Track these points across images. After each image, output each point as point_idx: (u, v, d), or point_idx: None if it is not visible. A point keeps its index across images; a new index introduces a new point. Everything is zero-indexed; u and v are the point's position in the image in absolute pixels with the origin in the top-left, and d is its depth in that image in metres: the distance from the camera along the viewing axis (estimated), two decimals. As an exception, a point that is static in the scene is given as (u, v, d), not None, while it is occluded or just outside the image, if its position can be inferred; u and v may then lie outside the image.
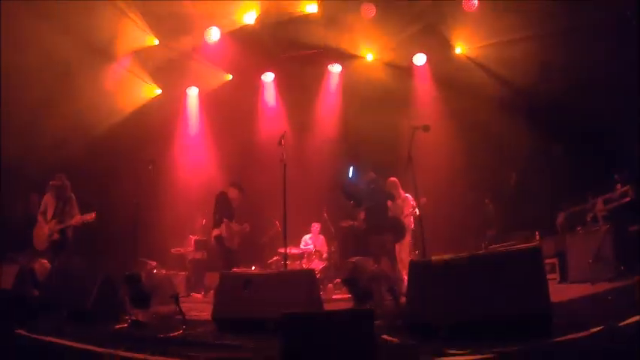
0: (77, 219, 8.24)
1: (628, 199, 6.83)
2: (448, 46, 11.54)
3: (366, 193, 9.25)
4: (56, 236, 8.25)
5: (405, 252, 9.53)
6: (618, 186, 7.01)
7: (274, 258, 11.11)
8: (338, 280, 10.16)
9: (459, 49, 11.49)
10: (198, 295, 10.46)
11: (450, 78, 11.78)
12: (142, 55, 11.54)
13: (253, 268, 10.44)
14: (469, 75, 11.25)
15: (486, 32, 10.69)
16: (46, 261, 7.76)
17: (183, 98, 12.99)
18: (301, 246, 11.59)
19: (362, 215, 9.33)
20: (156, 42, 11.33)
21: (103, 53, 10.77)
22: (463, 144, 11.46)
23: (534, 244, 8.20)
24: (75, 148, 10.26)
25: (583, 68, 9.41)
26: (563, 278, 7.68)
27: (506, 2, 9.89)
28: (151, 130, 11.82)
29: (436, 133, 9.34)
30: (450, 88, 11.82)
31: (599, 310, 5.26)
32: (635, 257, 6.28)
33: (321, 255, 11.29)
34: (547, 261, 7.81)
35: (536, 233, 8.91)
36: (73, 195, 8.55)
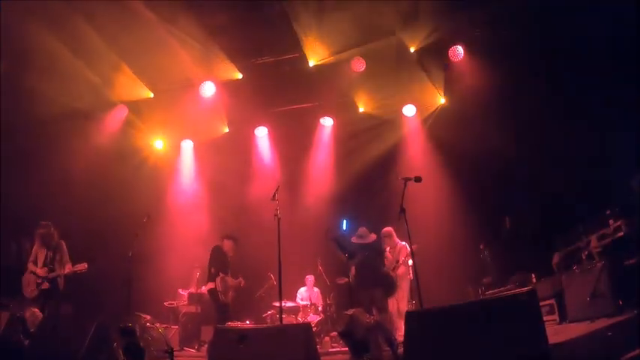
0: (69, 269, 8.19)
1: (621, 234, 6.83)
2: (435, 97, 11.81)
3: (357, 248, 9.28)
4: (47, 285, 8.16)
5: (402, 302, 9.45)
6: (611, 221, 7.03)
7: (269, 312, 10.93)
8: (334, 332, 9.97)
9: (443, 99, 11.78)
10: (192, 350, 10.25)
11: (439, 128, 11.96)
12: (138, 108, 11.82)
13: (248, 322, 10.27)
14: (458, 123, 11.42)
15: (471, 80, 10.96)
16: (37, 310, 7.60)
17: (178, 151, 13.15)
18: (297, 299, 11.45)
19: (352, 271, 9.34)
20: (151, 95, 11.65)
21: (97, 104, 11.03)
22: (455, 192, 11.55)
23: (530, 287, 8.14)
24: (70, 198, 10.27)
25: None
26: (563, 318, 7.59)
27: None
28: (146, 182, 11.91)
29: (428, 183, 9.45)
30: (440, 138, 12.00)
31: (599, 347, 5.21)
32: (632, 291, 6.27)
33: (317, 308, 11.12)
34: (545, 302, 7.75)
35: (532, 276, 8.86)
36: (62, 242, 8.51)
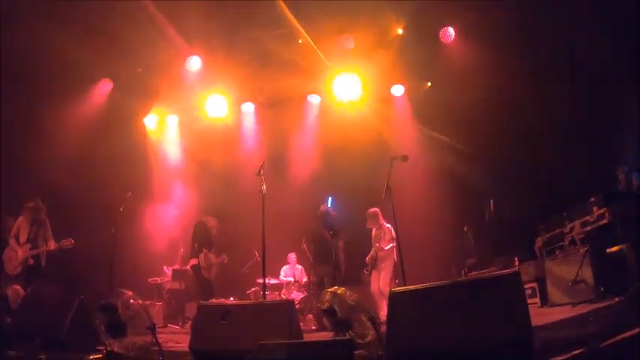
0: (53, 245, 8.08)
1: (605, 221, 6.90)
2: (424, 77, 11.75)
3: (342, 227, 9.35)
4: (31, 261, 8.08)
5: (385, 282, 9.47)
6: (595, 209, 7.09)
7: (253, 288, 10.97)
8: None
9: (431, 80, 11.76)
10: (176, 326, 10.25)
11: (427, 108, 11.92)
12: (122, 82, 11.59)
13: (232, 298, 10.28)
14: (445, 105, 11.37)
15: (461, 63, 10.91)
16: (19, 287, 7.55)
17: (163, 126, 12.97)
18: (280, 276, 11.47)
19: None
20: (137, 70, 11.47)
21: (81, 78, 10.77)
22: (441, 173, 11.57)
23: (514, 269, 8.22)
24: (52, 173, 10.11)
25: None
26: (544, 302, 7.70)
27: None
28: (130, 158, 11.78)
29: (415, 163, 9.43)
30: (428, 118, 11.97)
31: (580, 332, 5.25)
32: (613, 278, 6.35)
33: (300, 285, 11.16)
34: (527, 286, 7.83)
35: (516, 259, 8.93)
36: (47, 219, 8.41)
